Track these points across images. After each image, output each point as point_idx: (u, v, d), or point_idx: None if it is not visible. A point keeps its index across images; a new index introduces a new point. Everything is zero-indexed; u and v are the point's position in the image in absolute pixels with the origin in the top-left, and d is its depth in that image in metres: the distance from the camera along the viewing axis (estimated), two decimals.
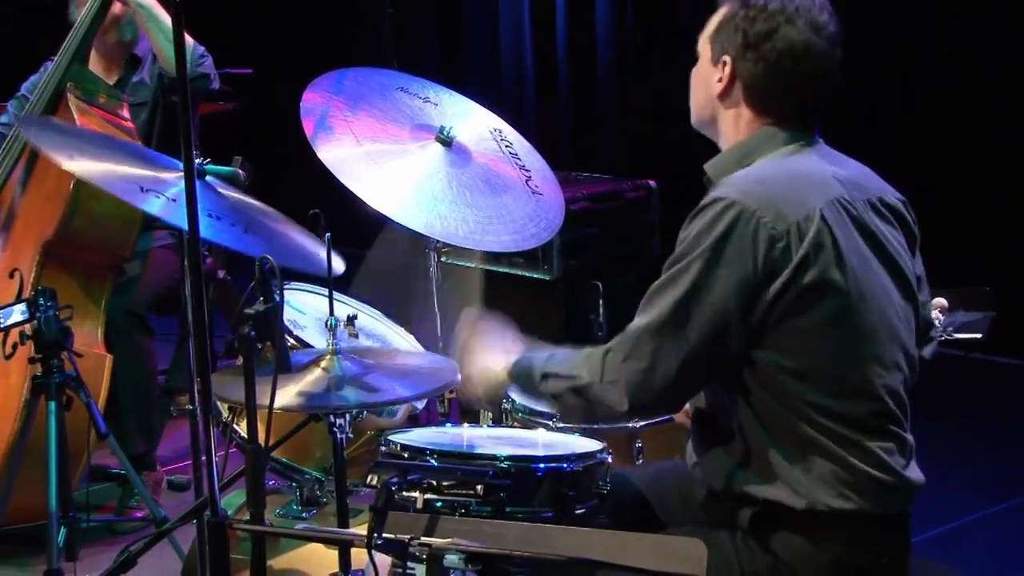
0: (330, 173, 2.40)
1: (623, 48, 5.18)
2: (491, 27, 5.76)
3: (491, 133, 2.73)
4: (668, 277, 1.90)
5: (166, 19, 3.38)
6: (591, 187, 3.77)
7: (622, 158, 4.61)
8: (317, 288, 2.74)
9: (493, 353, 2.16)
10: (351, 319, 2.45)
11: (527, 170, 2.67)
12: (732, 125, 2.04)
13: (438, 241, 3.05)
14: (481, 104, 2.78)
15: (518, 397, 2.37)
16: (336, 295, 2.21)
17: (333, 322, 2.14)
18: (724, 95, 2.03)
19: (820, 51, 1.99)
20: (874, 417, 1.92)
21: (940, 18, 4.47)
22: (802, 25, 1.98)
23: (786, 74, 1.99)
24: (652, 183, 3.74)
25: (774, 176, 1.97)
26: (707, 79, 2.05)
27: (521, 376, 2.07)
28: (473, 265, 3.64)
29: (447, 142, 2.58)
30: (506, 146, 2.70)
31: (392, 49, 3.41)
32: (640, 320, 1.91)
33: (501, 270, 3.60)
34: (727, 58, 2.02)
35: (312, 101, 2.52)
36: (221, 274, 3.76)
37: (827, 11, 2.02)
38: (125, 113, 3.39)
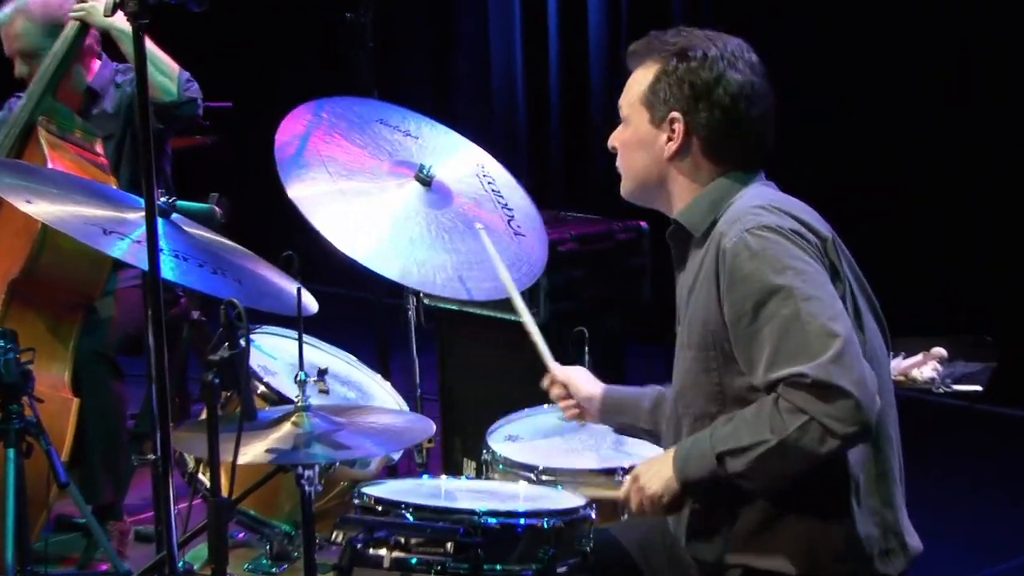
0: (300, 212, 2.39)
1: (617, 86, 5.23)
2: (481, 61, 5.76)
3: (476, 168, 2.70)
4: (779, 318, 1.87)
5: (152, 47, 3.38)
6: (580, 228, 3.72)
7: (615, 198, 4.53)
8: (290, 332, 2.72)
9: (649, 466, 2.05)
10: (322, 373, 2.42)
11: (510, 209, 2.65)
12: (688, 181, 2.06)
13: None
14: (466, 137, 2.75)
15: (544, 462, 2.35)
16: (308, 340, 2.21)
17: (302, 377, 2.13)
18: (678, 154, 2.06)
19: (764, 90, 2.05)
20: (889, 471, 1.99)
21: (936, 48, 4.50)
22: (742, 67, 2.03)
23: (741, 117, 2.03)
24: (643, 224, 3.69)
25: (774, 200, 2.01)
26: (649, 143, 2.07)
27: (693, 477, 1.96)
28: (457, 307, 3.62)
29: (426, 182, 2.56)
30: (488, 183, 2.69)
31: (372, 78, 3.35)
32: (796, 363, 1.85)
33: (483, 313, 3.55)
34: (676, 115, 2.04)
35: (288, 133, 2.50)
36: (195, 315, 3.71)
37: (752, 51, 2.07)
38: (99, 149, 3.37)
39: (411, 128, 2.70)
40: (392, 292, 3.29)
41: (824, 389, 1.82)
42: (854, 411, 1.81)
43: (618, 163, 2.16)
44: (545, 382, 2.39)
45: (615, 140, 2.14)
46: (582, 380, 2.37)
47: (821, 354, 1.83)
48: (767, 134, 2.07)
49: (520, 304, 2.41)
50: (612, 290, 3.75)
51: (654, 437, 2.29)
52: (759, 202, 1.99)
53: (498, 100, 5.70)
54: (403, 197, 2.53)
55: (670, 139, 2.04)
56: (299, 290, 2.20)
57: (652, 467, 2.02)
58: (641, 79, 2.08)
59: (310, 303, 2.38)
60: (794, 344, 1.85)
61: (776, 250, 1.91)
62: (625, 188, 2.13)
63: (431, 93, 5.95)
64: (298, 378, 2.12)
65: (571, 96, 5.49)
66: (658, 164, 2.06)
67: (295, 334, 2.60)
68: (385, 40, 3.78)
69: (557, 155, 5.57)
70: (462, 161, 2.71)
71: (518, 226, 2.62)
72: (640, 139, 2.07)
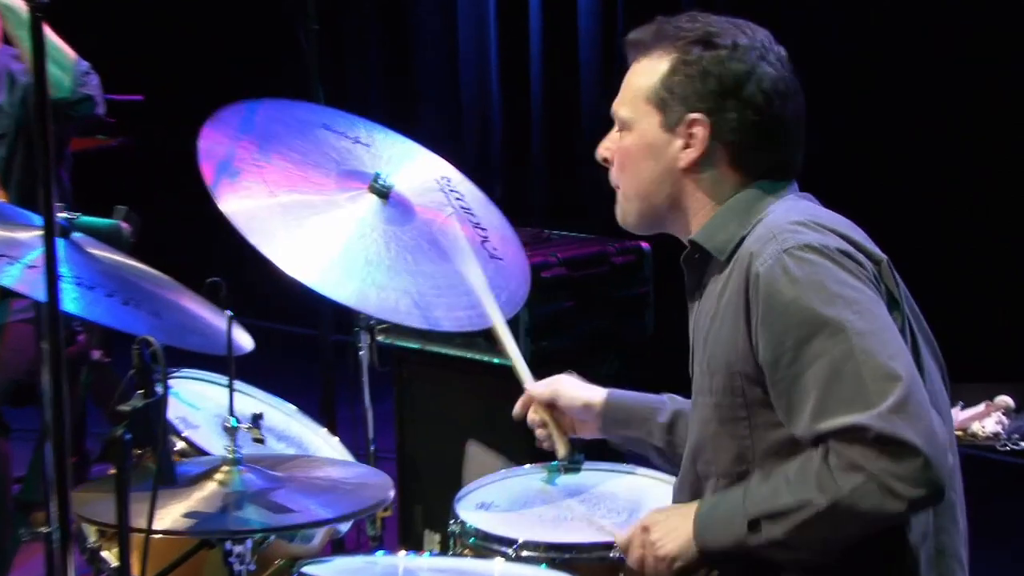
0: (237, 230, 2.41)
1: (613, 75, 5.26)
2: (447, 49, 5.77)
3: (438, 183, 2.75)
4: (828, 358, 1.86)
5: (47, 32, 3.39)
6: (568, 249, 3.72)
7: (608, 213, 4.54)
8: (216, 377, 2.73)
9: (666, 519, 2.05)
10: (257, 419, 2.44)
11: (483, 228, 2.68)
12: (706, 197, 2.07)
13: (372, 317, 3.03)
14: (425, 147, 2.80)
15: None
16: (239, 386, 2.22)
17: (233, 423, 2.13)
18: (697, 164, 2.07)
19: (796, 86, 2.08)
20: (951, 543, 1.99)
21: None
22: (774, 60, 2.07)
23: (776, 118, 2.05)
24: (644, 245, 3.69)
25: (815, 215, 2.02)
26: (659, 151, 2.08)
27: (716, 543, 1.95)
28: (419, 346, 3.63)
29: (383, 193, 2.60)
30: (456, 199, 2.72)
31: (317, 76, 3.42)
32: (850, 411, 1.84)
33: (452, 353, 3.56)
34: (697, 116, 2.05)
35: (214, 139, 2.53)
36: (96, 355, 3.73)
37: (777, 43, 2.10)
38: None
39: (361, 135, 2.73)
40: (341, 327, 3.32)
41: (886, 444, 1.81)
42: (923, 470, 1.80)
43: (613, 179, 2.15)
44: (518, 408, 2.40)
45: (608, 150, 2.15)
46: (574, 388, 2.40)
47: (880, 401, 1.82)
48: (801, 138, 2.09)
49: (494, 310, 2.43)
50: (607, 324, 3.76)
51: (666, 458, 2.31)
52: (797, 217, 1.99)
53: (467, 98, 5.70)
54: (356, 211, 2.56)
55: (688, 146, 2.05)
56: (230, 320, 2.19)
57: (669, 521, 2.02)
58: (648, 72, 2.08)
59: (243, 340, 2.39)
60: (847, 389, 1.84)
61: (822, 275, 1.90)
62: (626, 211, 2.14)
63: (387, 94, 5.95)
64: (228, 424, 2.12)
65: (556, 92, 5.50)
66: (671, 176, 2.07)
67: (221, 379, 2.65)
68: (332, 31, 3.80)
69: (539, 161, 5.58)
70: (422, 172, 2.75)
71: (494, 248, 2.65)
72: (648, 146, 2.08)
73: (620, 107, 2.12)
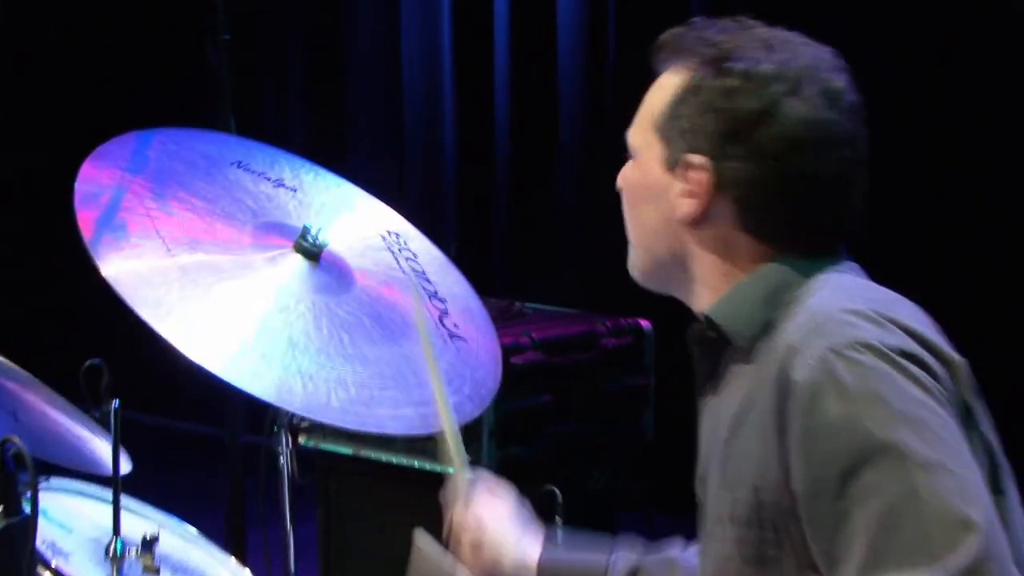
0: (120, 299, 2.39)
1: (601, 100, 5.20)
2: (387, 66, 5.78)
3: (384, 239, 2.76)
4: (883, 495, 1.82)
5: None
6: (546, 327, 3.73)
7: (596, 282, 4.48)
8: (93, 488, 2.71)
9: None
10: (148, 543, 2.39)
11: (441, 300, 2.69)
12: (718, 260, 2.07)
13: (294, 415, 3.00)
14: (369, 192, 2.82)
15: None
16: (126, 501, 2.19)
17: (119, 547, 2.11)
18: (700, 218, 2.05)
19: (846, 134, 2.04)
20: None
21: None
22: (813, 94, 2.02)
23: (800, 175, 2.03)
24: (644, 324, 3.71)
25: (871, 298, 2.00)
26: (658, 194, 2.10)
27: None
28: (351, 451, 3.61)
29: (313, 253, 2.60)
30: (408, 259, 2.74)
31: (229, 100, 3.45)
32: (909, 566, 1.79)
33: (393, 460, 3.57)
34: (696, 159, 2.04)
35: (95, 181, 2.52)
36: None
37: (841, 70, 2.07)
38: None
39: (285, 176, 2.75)
40: (254, 426, 3.31)
41: None
42: None
43: (626, 216, 2.19)
44: (442, 498, 2.39)
45: (621, 178, 2.18)
46: (505, 534, 2.34)
47: (948, 555, 1.78)
48: (848, 204, 2.07)
49: (445, 409, 2.42)
50: (595, 426, 3.76)
51: None
52: (850, 302, 1.97)
53: (413, 136, 5.71)
54: (278, 277, 2.56)
55: (691, 194, 2.05)
56: (116, 414, 2.19)
57: None
58: (662, 91, 2.11)
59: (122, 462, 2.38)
60: (906, 537, 1.80)
61: (881, 385, 1.86)
62: (631, 259, 2.17)
63: (313, 123, 5.99)
64: (112, 549, 2.11)
65: (527, 122, 5.53)
66: (670, 228, 2.09)
67: (100, 491, 2.61)
68: (247, 44, 3.78)
69: (508, 216, 5.55)
70: (364, 226, 2.77)
71: (455, 325, 2.65)
72: (647, 186, 2.11)
73: (632, 129, 2.15)
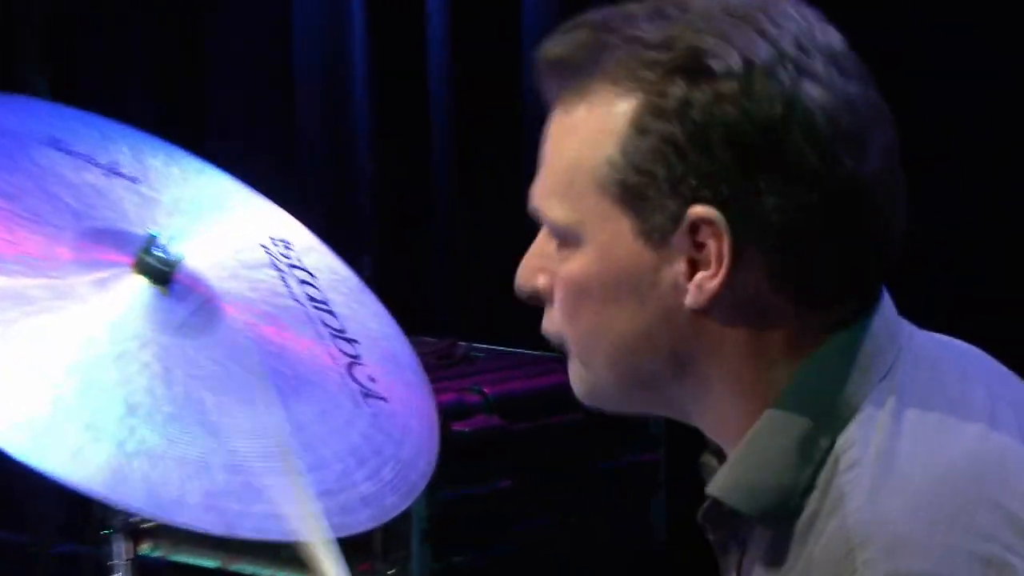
0: None
1: None
2: (277, 26, 5.92)
3: (268, 253, 2.79)
4: None
5: None
6: (505, 379, 3.82)
7: None
8: None
9: None
10: None
11: (351, 340, 2.72)
12: (741, 355, 2.08)
13: (133, 514, 2.99)
14: (245, 184, 2.86)
15: None
16: None
17: None
18: (720, 296, 2.03)
19: (871, 110, 2.08)
20: None
21: None
22: (822, 66, 2.04)
23: (853, 182, 2.04)
24: None
25: (983, 454, 2.03)
26: (640, 283, 2.07)
27: None
28: (217, 564, 3.60)
29: (163, 273, 2.59)
30: (301, 281, 2.77)
31: (38, 53, 3.43)
32: None
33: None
34: (707, 211, 2.00)
35: None
36: None
37: (824, 23, 2.09)
38: None
39: (122, 161, 2.77)
40: (73, 530, 3.41)
41: None
42: None
43: (552, 329, 2.18)
44: None
45: (537, 277, 2.18)
46: None
47: None
48: (895, 213, 2.10)
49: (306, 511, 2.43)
50: (580, 523, 3.78)
51: None
52: (958, 497, 1.99)
53: (308, 105, 5.84)
54: (110, 309, 2.54)
55: (699, 269, 2.03)
56: None
57: None
58: (591, 131, 2.07)
59: None
60: None
61: None
62: (589, 385, 2.18)
63: (166, 92, 6.06)
64: None
65: (472, 91, 5.60)
66: (663, 329, 2.08)
67: None
68: None
69: (449, 221, 5.60)
70: (236, 233, 2.79)
71: (370, 378, 2.67)
72: (618, 278, 2.08)
73: (548, 202, 2.11)
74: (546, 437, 3.73)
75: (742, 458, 2.07)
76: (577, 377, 2.18)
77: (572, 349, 2.17)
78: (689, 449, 3.76)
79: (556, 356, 3.89)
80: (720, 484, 2.07)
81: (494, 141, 5.56)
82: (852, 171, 2.03)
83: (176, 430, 2.45)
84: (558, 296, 2.14)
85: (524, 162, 5.90)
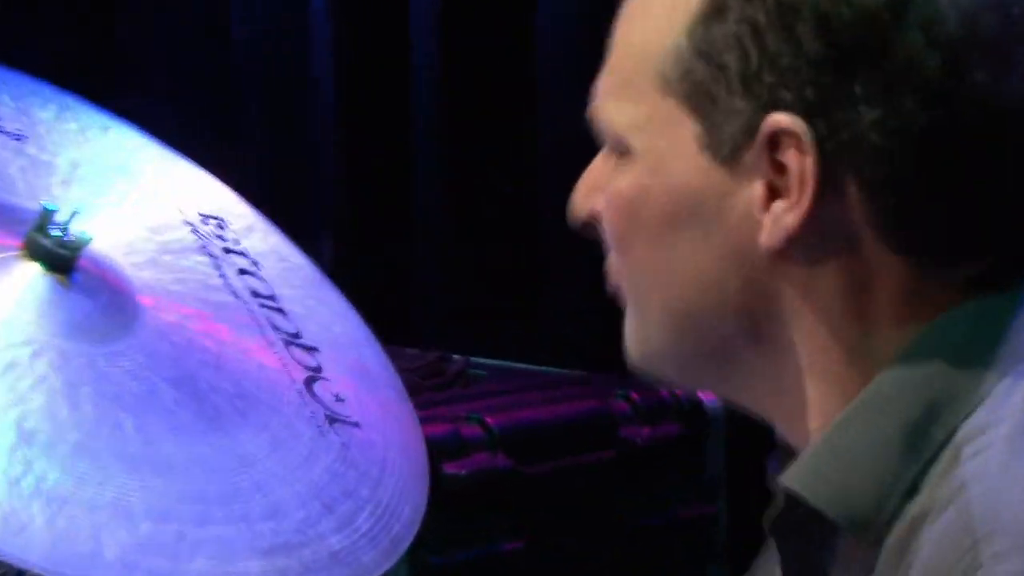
0: None
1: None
2: None
3: (195, 229, 2.81)
4: None
5: None
6: (513, 406, 3.79)
7: (603, 316, 4.53)
8: None
9: None
10: None
11: (310, 348, 2.75)
12: (831, 321, 2.09)
13: (26, 572, 3.00)
14: (164, 146, 2.91)
15: None
16: None
17: None
18: (803, 237, 2.03)
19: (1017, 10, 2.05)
20: None
21: None
22: None
23: (975, 111, 2.02)
24: (706, 397, 3.81)
25: None
26: (703, 209, 2.09)
27: None
28: None
29: (62, 259, 2.61)
30: (241, 272, 2.81)
31: None
32: None
33: None
34: (789, 120, 2.00)
35: None
36: None
37: None
38: None
39: (2, 114, 2.82)
40: None
41: None
42: None
43: (609, 265, 2.19)
44: None
45: (590, 199, 2.20)
46: None
47: None
48: None
49: None
50: None
51: None
52: None
53: (248, 44, 5.98)
54: None
55: (785, 193, 2.03)
56: None
57: None
58: (660, 14, 2.10)
59: None
60: None
61: None
62: (641, 339, 2.18)
63: (66, 31, 6.19)
64: None
65: (461, 38, 5.71)
66: (734, 273, 2.09)
67: None
68: None
69: (437, 197, 5.71)
70: (156, 207, 2.84)
71: (336, 396, 2.70)
72: (675, 200, 2.10)
73: (605, 101, 2.14)
74: (568, 483, 3.66)
75: (831, 446, 2.06)
76: (630, 330, 2.17)
77: (626, 295, 2.17)
78: (756, 500, 3.74)
79: (581, 376, 3.84)
80: (800, 476, 2.06)
81: (491, 95, 5.63)
82: (989, 88, 2.00)
83: (86, 465, 2.44)
84: (606, 219, 2.15)
85: (532, 122, 5.91)
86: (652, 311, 2.13)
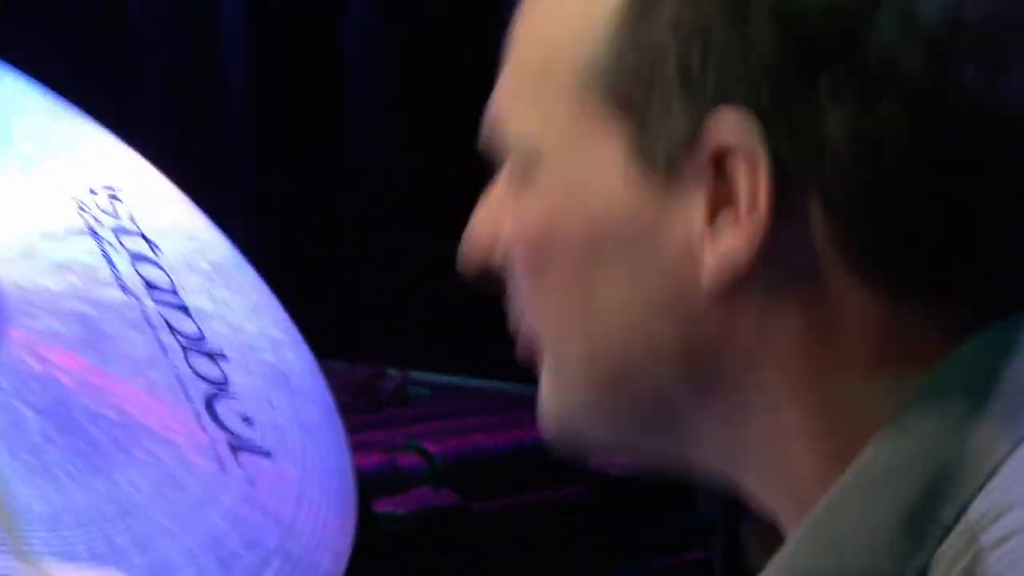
0: None
1: None
2: None
3: (83, 209, 2.73)
4: None
5: None
6: (461, 430, 3.81)
7: None
8: None
9: None
10: None
11: (215, 355, 2.70)
12: (791, 385, 2.04)
13: None
14: (43, 90, 2.90)
15: None
16: None
17: None
18: (752, 273, 1.97)
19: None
20: None
21: None
22: None
23: (964, 117, 1.98)
24: None
25: None
26: (635, 238, 2.01)
27: None
28: None
29: None
30: (135, 258, 2.78)
31: None
32: None
33: None
34: (734, 125, 1.95)
35: None
36: None
37: None
38: None
39: None
40: None
41: None
42: None
43: (523, 322, 2.07)
44: None
45: (486, 231, 2.10)
46: None
47: None
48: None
49: None
50: None
51: None
52: None
53: None
54: None
55: (734, 221, 1.97)
56: None
57: None
58: (575, 5, 2.06)
59: None
60: None
61: None
62: (553, 403, 2.08)
63: None
64: None
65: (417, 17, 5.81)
66: (669, 315, 2.04)
67: None
68: None
69: (374, 164, 5.87)
70: (35, 179, 2.83)
71: (243, 416, 2.70)
72: (602, 227, 2.03)
73: (509, 110, 2.06)
74: (527, 524, 3.66)
75: (815, 534, 2.06)
76: (545, 394, 2.07)
77: (540, 347, 2.07)
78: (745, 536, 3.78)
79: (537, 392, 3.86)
80: (784, 570, 2.05)
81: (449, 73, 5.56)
82: (981, 88, 1.99)
83: None
84: (511, 258, 2.07)
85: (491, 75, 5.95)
86: (570, 366, 2.06)
